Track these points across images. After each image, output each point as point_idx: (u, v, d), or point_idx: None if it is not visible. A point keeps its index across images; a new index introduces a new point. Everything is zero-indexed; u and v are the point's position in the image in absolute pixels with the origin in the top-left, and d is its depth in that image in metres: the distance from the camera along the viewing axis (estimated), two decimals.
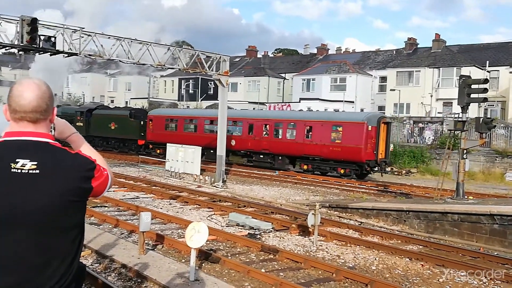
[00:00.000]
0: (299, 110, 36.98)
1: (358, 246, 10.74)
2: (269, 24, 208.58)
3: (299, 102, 44.59)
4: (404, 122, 35.68)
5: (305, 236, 11.46)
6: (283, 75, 58.03)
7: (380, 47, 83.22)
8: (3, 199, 1.83)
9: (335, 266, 8.89)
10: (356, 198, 17.84)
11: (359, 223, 13.61)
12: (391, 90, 42.48)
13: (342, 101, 43.20)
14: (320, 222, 11.15)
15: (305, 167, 25.76)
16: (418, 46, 53.37)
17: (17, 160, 1.86)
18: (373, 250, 10.46)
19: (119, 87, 67.13)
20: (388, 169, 29.95)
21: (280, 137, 26.98)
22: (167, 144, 25.16)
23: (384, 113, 42.06)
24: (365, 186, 21.95)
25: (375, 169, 24.66)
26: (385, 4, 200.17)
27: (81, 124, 37.14)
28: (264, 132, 27.63)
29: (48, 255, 1.89)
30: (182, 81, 59.56)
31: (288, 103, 45.96)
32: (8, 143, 1.92)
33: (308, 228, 11.24)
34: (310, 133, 25.32)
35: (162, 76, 64.48)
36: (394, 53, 54.26)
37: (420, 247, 11.11)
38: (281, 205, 16.04)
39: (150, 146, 34.33)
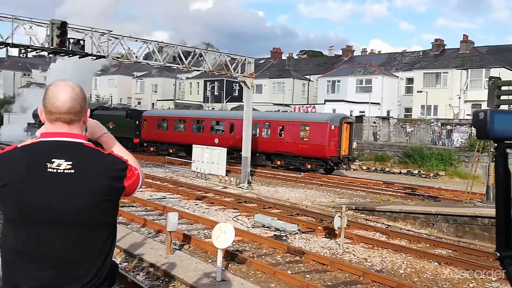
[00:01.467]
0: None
1: (385, 249, 10.61)
2: (294, 26, 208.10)
3: (324, 103, 44.33)
4: (432, 124, 35.11)
5: (331, 239, 11.38)
6: (308, 76, 57.81)
7: (406, 48, 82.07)
8: (41, 198, 1.88)
9: (362, 269, 8.80)
10: (383, 200, 17.63)
11: (386, 226, 13.44)
12: (418, 91, 41.86)
13: (367, 102, 42.78)
14: (347, 225, 11.07)
15: (278, 162, 28.16)
16: (446, 47, 52.48)
17: (53, 160, 1.91)
18: (401, 253, 10.31)
19: (145, 89, 67.97)
20: (416, 171, 29.53)
21: (257, 135, 28.79)
22: (193, 145, 25.38)
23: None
24: (391, 189, 21.67)
25: (342, 165, 26.85)
26: (411, 6, 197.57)
27: None
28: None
29: (83, 252, 1.94)
30: (208, 83, 59.93)
31: (313, 105, 45.77)
32: (44, 143, 1.98)
33: (334, 231, 11.16)
34: (283, 132, 27.74)
35: (187, 78, 65.02)
36: (421, 54, 53.46)
37: (449, 251, 10.91)
38: (306, 207, 15.98)
39: (145, 144, 36.08)
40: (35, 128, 50.06)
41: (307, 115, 31.62)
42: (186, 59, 19.63)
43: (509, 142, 1.30)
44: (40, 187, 1.88)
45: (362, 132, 37.80)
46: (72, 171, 1.91)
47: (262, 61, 65.39)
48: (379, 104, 44.96)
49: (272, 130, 28.12)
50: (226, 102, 55.53)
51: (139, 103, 66.05)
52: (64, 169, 1.90)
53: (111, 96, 66.37)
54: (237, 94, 57.63)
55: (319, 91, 50.88)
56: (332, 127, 25.45)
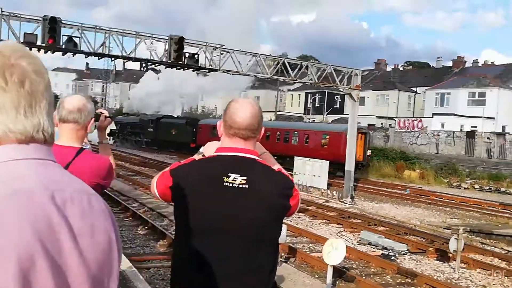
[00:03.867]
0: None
1: (506, 277, 9.76)
2: (399, 37, 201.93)
3: (432, 117, 42.29)
4: None
5: (444, 262, 10.73)
6: (414, 89, 55.54)
7: None
8: (217, 210, 1.94)
9: None
10: (500, 223, 16.29)
11: (506, 251, 12.38)
12: None
13: (481, 117, 40.04)
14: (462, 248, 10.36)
15: None
16: None
17: (229, 174, 1.96)
18: None
19: None
20: None
21: (288, 142, 32.79)
22: (295, 157, 25.51)
23: None
24: (509, 211, 19.96)
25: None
26: None
27: (151, 130, 44.07)
28: (277, 139, 33.40)
29: (254, 266, 1.95)
30: (309, 95, 60.00)
31: (419, 118, 43.82)
32: (221, 157, 2.04)
33: (448, 253, 10.53)
34: (308, 139, 31.77)
35: (289, 90, 65.65)
36: None
37: None
38: (415, 226, 15.25)
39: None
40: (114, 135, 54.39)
41: (327, 126, 36.40)
42: (292, 71, 19.81)
43: None
44: (218, 199, 1.94)
45: (474, 148, 35.41)
46: (246, 186, 1.94)
47: (365, 73, 63.98)
48: (493, 118, 41.85)
49: (300, 138, 32.66)
50: (327, 114, 55.11)
51: None
52: (239, 184, 1.94)
53: (216, 107, 68.96)
54: (338, 106, 56.97)
55: (426, 104, 48.63)
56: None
